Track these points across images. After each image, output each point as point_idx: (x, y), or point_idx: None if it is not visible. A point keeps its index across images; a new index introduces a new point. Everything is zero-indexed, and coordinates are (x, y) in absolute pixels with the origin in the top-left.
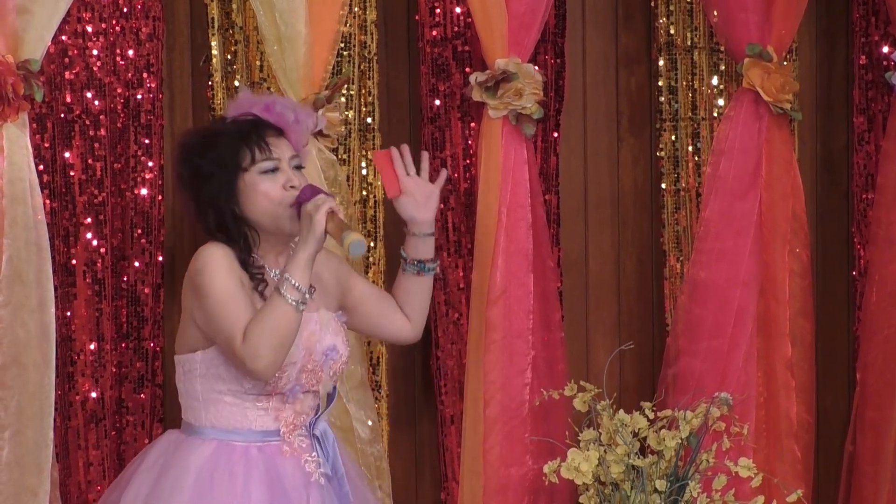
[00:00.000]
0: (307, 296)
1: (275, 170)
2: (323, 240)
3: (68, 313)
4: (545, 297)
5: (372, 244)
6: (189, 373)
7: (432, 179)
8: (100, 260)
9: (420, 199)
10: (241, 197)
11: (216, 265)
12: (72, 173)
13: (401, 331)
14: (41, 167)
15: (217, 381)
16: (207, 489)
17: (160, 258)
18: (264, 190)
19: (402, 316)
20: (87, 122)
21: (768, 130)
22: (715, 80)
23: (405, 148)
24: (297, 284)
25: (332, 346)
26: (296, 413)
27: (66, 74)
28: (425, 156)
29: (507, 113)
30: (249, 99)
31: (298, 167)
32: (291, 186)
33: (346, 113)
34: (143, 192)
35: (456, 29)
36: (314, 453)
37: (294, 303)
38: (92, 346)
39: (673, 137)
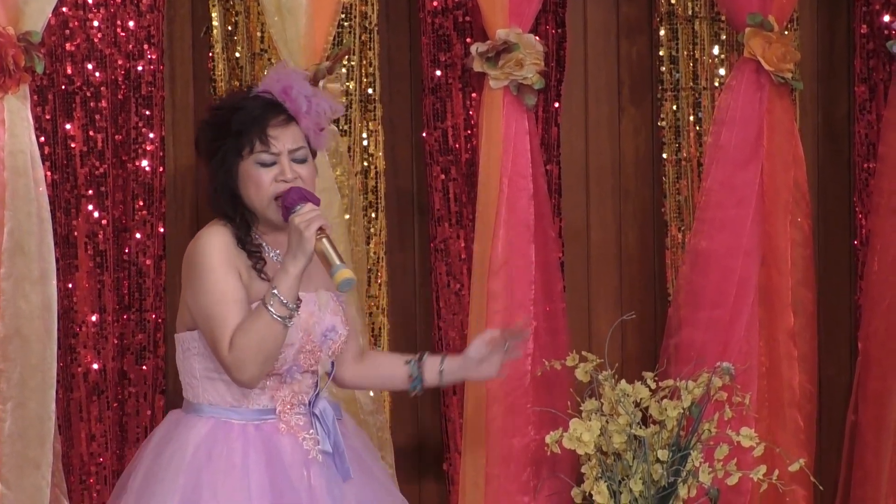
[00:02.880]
0: (294, 311)
1: (272, 163)
2: (312, 257)
3: (70, 285)
4: (546, 267)
5: (374, 215)
6: (187, 351)
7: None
8: (101, 232)
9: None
10: (239, 180)
11: (215, 256)
12: (73, 145)
13: (339, 367)
14: (42, 139)
15: (213, 360)
16: (205, 464)
17: (161, 230)
18: (256, 180)
19: (352, 359)
20: (88, 94)
21: (769, 100)
22: (716, 50)
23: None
24: (284, 301)
25: (332, 326)
26: (293, 392)
27: (67, 46)
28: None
29: (508, 83)
30: (278, 74)
31: (301, 160)
32: (283, 180)
33: (347, 84)
34: (145, 163)
35: None
36: (312, 431)
37: (280, 318)
38: (94, 318)
39: (674, 107)
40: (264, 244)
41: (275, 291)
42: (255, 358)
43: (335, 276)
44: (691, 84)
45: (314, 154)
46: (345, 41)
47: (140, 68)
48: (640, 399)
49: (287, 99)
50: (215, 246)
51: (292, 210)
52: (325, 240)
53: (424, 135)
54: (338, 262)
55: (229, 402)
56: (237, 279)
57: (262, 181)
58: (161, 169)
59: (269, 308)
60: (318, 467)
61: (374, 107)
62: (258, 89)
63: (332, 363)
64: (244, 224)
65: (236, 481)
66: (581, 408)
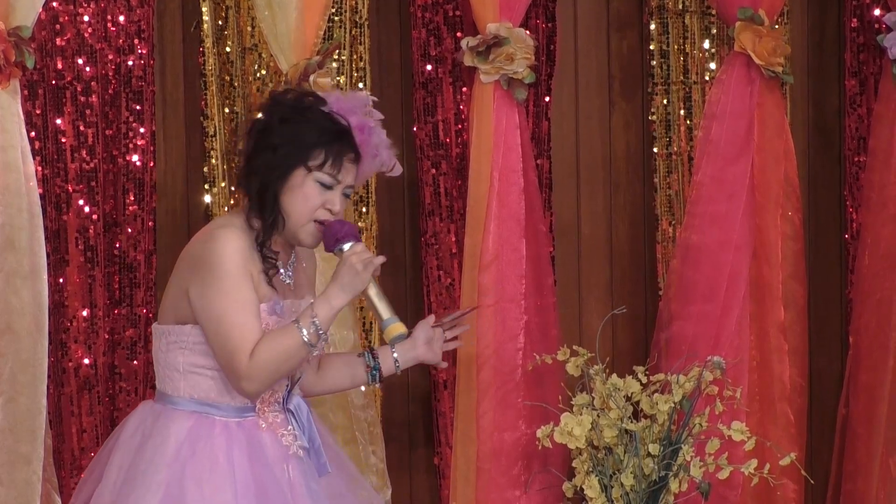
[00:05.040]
0: (324, 341)
1: (329, 188)
2: (357, 296)
3: (61, 280)
4: (537, 261)
5: (364, 209)
6: (172, 343)
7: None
8: (92, 226)
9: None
10: (287, 185)
11: (234, 261)
12: (63, 140)
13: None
14: (33, 134)
15: (202, 357)
16: (189, 459)
17: (152, 224)
18: (308, 195)
19: (311, 370)
20: (79, 89)
21: (760, 94)
22: (706, 44)
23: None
24: (320, 330)
25: (326, 339)
26: (272, 391)
27: (58, 41)
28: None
29: (499, 77)
30: (359, 104)
31: (346, 196)
32: (328, 209)
33: (338, 78)
34: (135, 158)
35: None
36: (290, 427)
37: (310, 344)
38: (84, 313)
39: (665, 101)
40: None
41: (315, 320)
42: (273, 374)
43: (386, 330)
44: (682, 78)
45: None
46: (335, 36)
47: (130, 63)
48: (631, 393)
49: (362, 139)
50: (235, 251)
51: (342, 243)
52: (375, 286)
53: (415, 129)
54: (388, 314)
55: (211, 398)
56: (251, 285)
57: (312, 199)
58: (151, 164)
59: (303, 331)
60: (297, 463)
61: None
62: (333, 106)
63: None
64: (272, 229)
65: (221, 476)
66: (572, 402)
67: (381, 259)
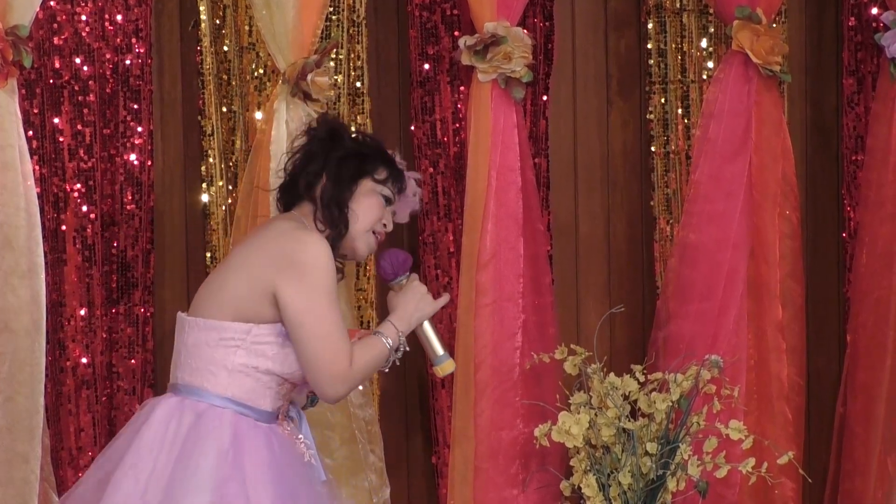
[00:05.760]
0: (395, 358)
1: (389, 202)
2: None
3: (58, 279)
4: (535, 260)
5: None
6: (228, 340)
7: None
8: (89, 225)
9: None
10: (357, 193)
11: (330, 268)
12: (61, 139)
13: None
14: (30, 133)
15: (258, 358)
16: (238, 458)
17: (150, 223)
18: (370, 204)
19: None
20: (76, 88)
21: (758, 93)
22: (704, 43)
23: None
24: (399, 345)
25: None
26: (287, 398)
27: (55, 40)
28: None
29: (497, 76)
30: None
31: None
32: (384, 224)
33: (336, 77)
34: (133, 157)
35: None
36: (300, 435)
37: (392, 357)
38: (82, 312)
39: (662, 100)
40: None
41: (400, 334)
42: (362, 380)
43: (440, 366)
44: (679, 77)
45: None
46: (333, 34)
47: (128, 62)
48: (629, 392)
49: (406, 178)
50: (329, 258)
51: (402, 275)
52: (430, 322)
53: (413, 128)
54: (441, 351)
55: (250, 400)
56: None
57: (376, 209)
58: (149, 163)
59: (388, 341)
60: (312, 471)
61: (363, 100)
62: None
63: None
64: (340, 235)
65: (271, 476)
66: (570, 401)
67: (447, 298)
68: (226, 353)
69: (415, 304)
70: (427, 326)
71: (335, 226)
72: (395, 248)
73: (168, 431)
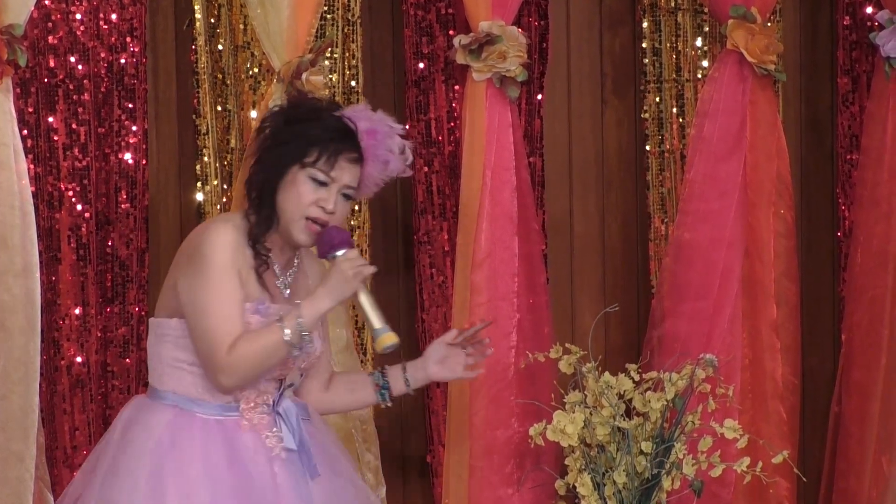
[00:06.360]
0: (307, 342)
1: (324, 184)
2: (344, 302)
3: (53, 278)
4: (530, 259)
5: (357, 207)
6: (161, 337)
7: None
8: (84, 224)
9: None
10: (284, 181)
11: (223, 254)
12: (56, 138)
13: (308, 394)
14: (25, 132)
15: (185, 352)
16: (169, 451)
17: (144, 222)
18: (301, 191)
19: (320, 388)
20: (71, 87)
21: (752, 92)
22: (699, 42)
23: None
24: (303, 331)
25: (309, 340)
26: (259, 392)
27: (50, 39)
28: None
29: (492, 75)
30: (369, 115)
31: (346, 198)
32: (322, 207)
33: (330, 76)
34: (127, 156)
35: None
36: (275, 429)
37: (290, 344)
38: (77, 311)
39: (657, 99)
40: (272, 251)
41: (300, 320)
42: (251, 370)
43: (377, 339)
44: (674, 76)
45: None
46: (327, 33)
47: (123, 61)
48: (624, 391)
49: (370, 142)
50: (225, 244)
51: (336, 250)
52: (366, 294)
53: (408, 127)
54: (379, 324)
55: (193, 394)
56: (238, 281)
57: (305, 195)
58: (144, 162)
59: (285, 330)
60: (282, 464)
61: (358, 99)
62: (346, 112)
63: (301, 375)
64: (266, 223)
65: (198, 471)
66: (564, 400)
67: (371, 269)
68: (163, 348)
69: (327, 290)
70: (363, 299)
71: (262, 217)
72: (334, 226)
73: (118, 431)
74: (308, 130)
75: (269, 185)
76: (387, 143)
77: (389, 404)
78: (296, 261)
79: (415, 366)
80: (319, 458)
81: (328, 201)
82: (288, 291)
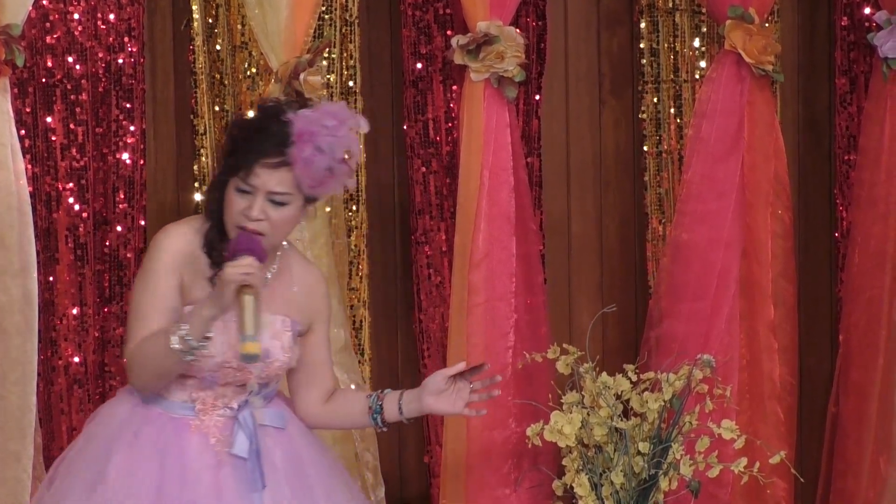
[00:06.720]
0: (197, 349)
1: (248, 192)
2: (228, 309)
3: (51, 278)
4: (527, 259)
5: (354, 207)
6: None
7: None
8: (82, 224)
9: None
10: (224, 193)
11: (164, 257)
12: (53, 138)
13: (306, 406)
14: (22, 132)
15: None
16: (113, 443)
17: (142, 222)
18: (230, 202)
19: (318, 400)
20: (69, 87)
21: (750, 92)
22: (697, 42)
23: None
24: (188, 338)
25: (265, 350)
26: (216, 395)
27: (48, 39)
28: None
29: (489, 76)
30: (319, 114)
31: (280, 203)
32: (246, 215)
33: (328, 76)
34: (125, 156)
35: None
36: (228, 434)
37: (180, 351)
38: (74, 311)
39: (655, 100)
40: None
41: (182, 329)
42: (142, 370)
43: (241, 344)
44: (672, 76)
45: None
46: (325, 34)
47: (121, 61)
48: (621, 391)
49: (298, 143)
50: (169, 246)
51: (235, 257)
52: (248, 298)
53: (405, 127)
54: (248, 331)
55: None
56: (174, 287)
57: (233, 206)
58: (142, 162)
59: (171, 338)
60: (232, 471)
61: (355, 99)
62: (301, 112)
63: (266, 384)
64: (216, 233)
65: (140, 464)
66: (562, 400)
67: (256, 279)
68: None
69: (211, 296)
70: (246, 302)
71: (212, 227)
72: (244, 234)
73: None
74: (238, 140)
75: (214, 197)
76: (316, 143)
77: (384, 429)
78: (273, 267)
79: (411, 394)
80: (286, 472)
81: (251, 209)
82: None
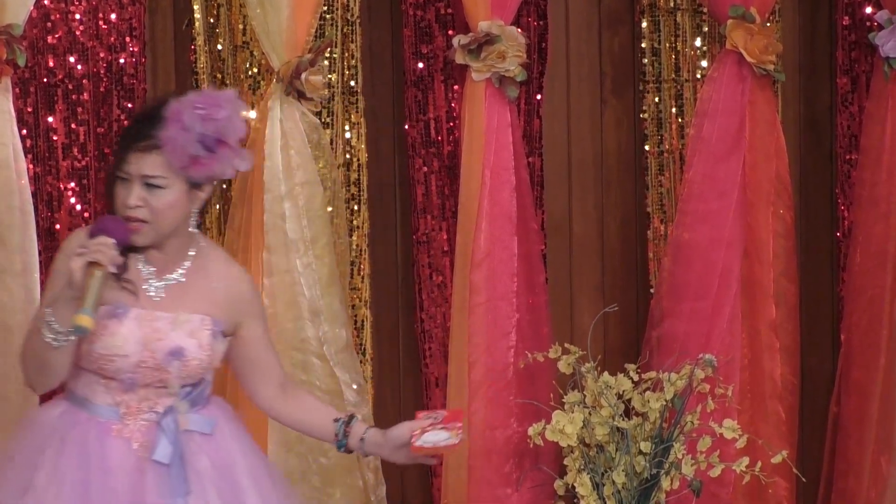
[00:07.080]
0: (68, 335)
1: (126, 180)
2: (81, 288)
3: None
4: (529, 259)
5: (356, 207)
6: None
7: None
8: (83, 224)
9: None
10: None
11: (60, 257)
12: (55, 138)
13: (264, 401)
14: (24, 132)
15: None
16: (42, 446)
17: None
18: (115, 195)
19: (275, 395)
20: (70, 87)
21: (751, 92)
22: (698, 42)
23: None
24: (52, 324)
25: (179, 347)
26: (141, 398)
27: (49, 39)
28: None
29: (491, 75)
30: (201, 97)
31: (157, 187)
32: (125, 204)
33: (330, 76)
34: None
35: None
36: (150, 439)
37: (50, 339)
38: None
39: (656, 99)
40: (141, 256)
41: (49, 313)
42: (29, 367)
43: (76, 315)
44: (673, 76)
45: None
46: (327, 33)
47: (122, 61)
48: (623, 391)
49: (167, 124)
50: (65, 249)
51: (93, 237)
52: (97, 274)
53: (407, 127)
54: (86, 305)
55: (81, 394)
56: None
57: (117, 199)
58: None
59: (41, 328)
60: (153, 476)
61: (357, 99)
62: (173, 101)
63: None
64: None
65: (67, 470)
66: (563, 400)
67: (93, 256)
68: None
69: (68, 282)
70: (94, 278)
71: None
72: (108, 216)
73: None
74: (121, 132)
75: (108, 194)
76: (182, 122)
77: (347, 452)
78: (186, 264)
79: (377, 434)
80: (213, 479)
81: (128, 196)
82: (162, 296)
